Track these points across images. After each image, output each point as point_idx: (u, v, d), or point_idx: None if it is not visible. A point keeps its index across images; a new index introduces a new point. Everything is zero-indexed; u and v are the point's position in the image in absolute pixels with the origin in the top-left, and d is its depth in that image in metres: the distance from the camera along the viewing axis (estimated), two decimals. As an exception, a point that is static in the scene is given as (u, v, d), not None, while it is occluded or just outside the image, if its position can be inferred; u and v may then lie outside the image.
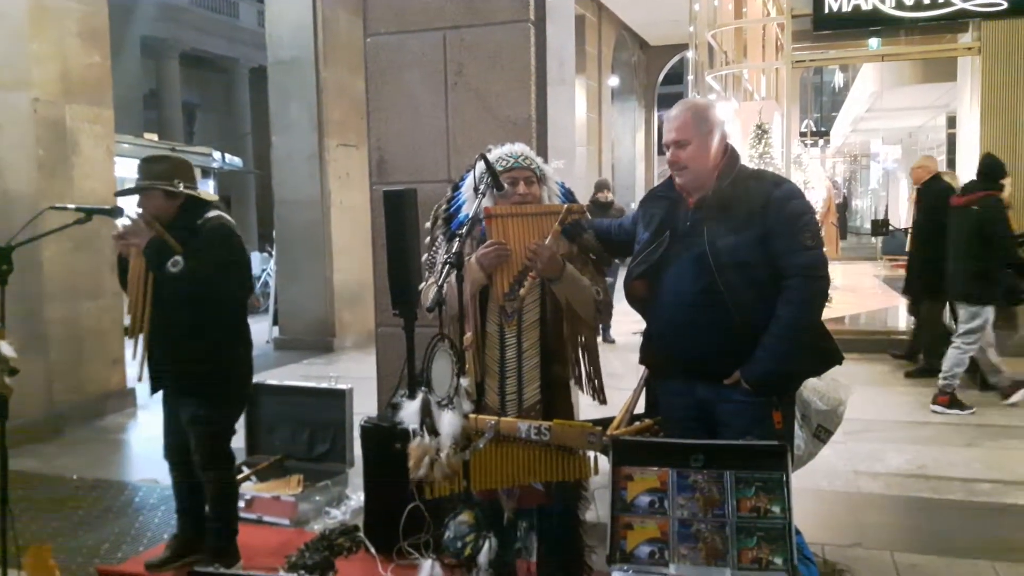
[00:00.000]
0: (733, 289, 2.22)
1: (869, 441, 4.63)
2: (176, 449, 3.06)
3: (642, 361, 2.54)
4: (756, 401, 2.26)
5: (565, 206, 2.44)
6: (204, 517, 3.07)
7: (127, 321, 2.95)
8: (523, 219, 2.39)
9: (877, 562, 3.08)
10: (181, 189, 2.91)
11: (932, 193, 6.17)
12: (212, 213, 2.96)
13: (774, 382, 2.27)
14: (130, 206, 3.02)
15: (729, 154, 2.37)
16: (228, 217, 3.03)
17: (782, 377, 2.29)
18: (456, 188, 2.57)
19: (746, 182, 2.32)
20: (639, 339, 2.56)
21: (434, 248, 2.54)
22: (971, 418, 5.16)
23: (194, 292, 2.81)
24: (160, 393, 3.04)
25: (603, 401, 2.58)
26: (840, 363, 2.42)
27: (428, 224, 2.62)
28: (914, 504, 3.82)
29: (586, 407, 2.72)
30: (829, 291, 2.42)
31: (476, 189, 2.39)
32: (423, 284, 2.55)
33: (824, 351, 2.40)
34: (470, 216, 2.39)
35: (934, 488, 3.98)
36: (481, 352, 2.40)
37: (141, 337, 2.88)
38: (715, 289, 2.23)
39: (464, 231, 2.34)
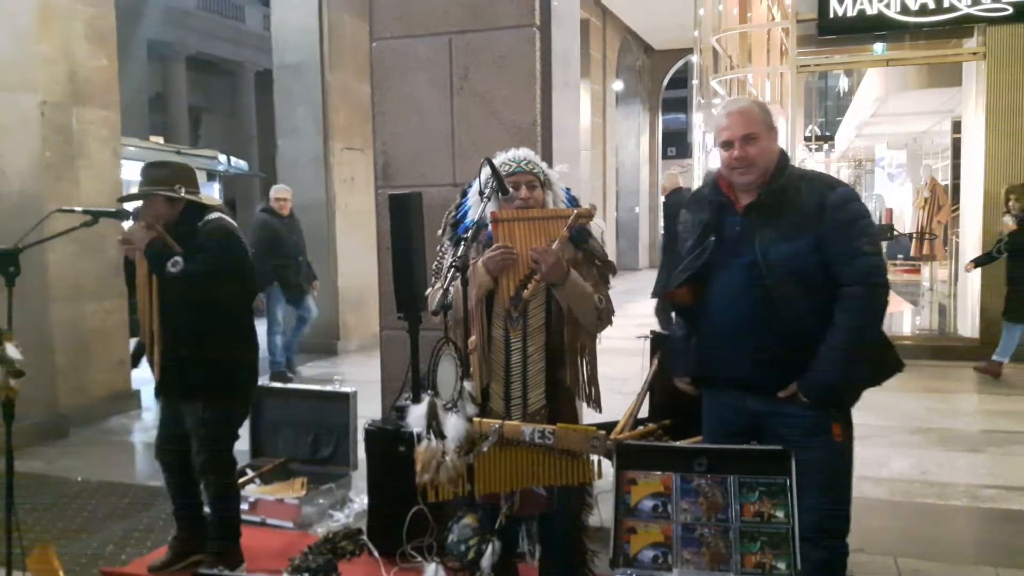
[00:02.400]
0: (788, 299, 2.12)
1: (873, 446, 4.62)
2: (169, 448, 3.06)
3: (687, 372, 2.44)
4: (813, 414, 2.16)
5: (575, 210, 2.44)
6: (202, 516, 3.08)
7: (140, 325, 2.96)
8: (529, 223, 2.38)
9: (881, 567, 3.07)
10: (182, 195, 2.93)
11: None
12: (213, 215, 2.97)
13: (833, 395, 2.17)
14: (135, 210, 3.04)
15: (781, 156, 2.26)
16: (229, 219, 3.03)
17: (841, 389, 2.18)
18: (464, 194, 2.58)
19: (797, 184, 2.20)
20: (641, 343, 2.55)
21: (441, 253, 2.55)
22: (975, 424, 5.15)
23: (195, 292, 2.81)
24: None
25: (599, 409, 2.57)
26: (900, 371, 2.28)
27: (439, 232, 2.63)
28: (918, 510, 3.81)
29: (589, 412, 2.72)
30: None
31: (481, 193, 2.40)
32: (430, 289, 2.56)
33: (884, 360, 2.27)
34: (475, 221, 2.40)
35: (938, 494, 3.97)
36: (486, 357, 2.40)
37: (152, 339, 2.88)
38: (768, 300, 2.13)
39: (470, 235, 2.35)
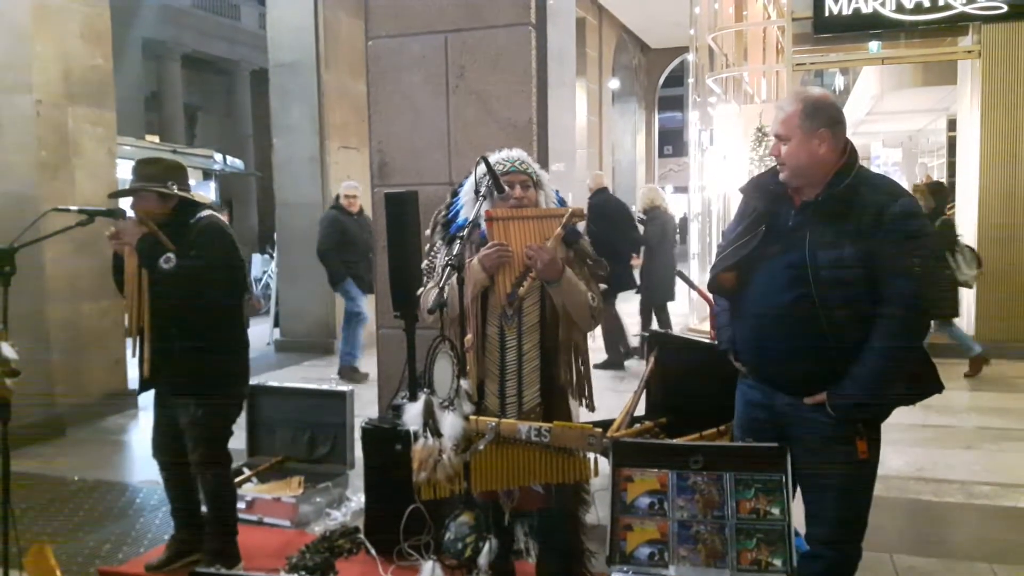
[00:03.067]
0: (829, 305, 2.03)
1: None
2: (166, 448, 3.06)
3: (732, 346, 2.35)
4: (837, 425, 2.10)
5: (569, 209, 2.45)
6: (200, 516, 3.08)
7: (126, 321, 2.95)
8: (523, 222, 2.40)
9: (876, 564, 3.08)
10: (174, 191, 2.93)
11: None
12: (204, 213, 2.98)
13: (861, 413, 2.09)
14: (127, 207, 3.03)
15: (848, 155, 2.14)
16: (220, 217, 3.03)
17: (871, 407, 2.10)
18: (455, 194, 2.58)
19: (859, 189, 2.09)
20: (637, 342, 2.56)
21: (433, 253, 2.55)
22: (970, 421, 5.17)
23: (187, 289, 2.81)
24: (154, 392, 3.04)
25: (592, 408, 2.58)
26: (940, 392, 2.18)
27: (428, 231, 2.64)
28: (913, 506, 3.83)
29: (583, 411, 2.73)
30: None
31: (477, 192, 2.41)
32: (421, 289, 2.56)
33: (922, 379, 2.16)
34: (470, 219, 2.40)
35: (933, 491, 3.99)
36: (481, 355, 2.40)
37: (142, 335, 2.88)
38: (809, 302, 2.04)
39: (465, 234, 2.36)
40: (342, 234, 6.65)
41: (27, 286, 4.94)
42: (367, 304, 6.72)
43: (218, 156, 13.62)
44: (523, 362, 2.41)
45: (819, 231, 2.08)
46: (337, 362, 7.04)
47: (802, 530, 2.29)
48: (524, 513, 2.53)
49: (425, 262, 2.60)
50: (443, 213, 2.58)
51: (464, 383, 2.19)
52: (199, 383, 2.92)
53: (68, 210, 2.94)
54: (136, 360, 2.95)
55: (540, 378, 2.43)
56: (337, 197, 6.90)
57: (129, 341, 2.95)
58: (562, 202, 2.61)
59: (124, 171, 6.83)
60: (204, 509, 3.07)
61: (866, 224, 2.04)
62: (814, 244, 2.06)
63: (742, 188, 2.38)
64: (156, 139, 13.63)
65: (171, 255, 2.78)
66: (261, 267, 12.23)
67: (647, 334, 3.02)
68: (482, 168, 2.38)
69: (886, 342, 2.02)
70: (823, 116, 2.13)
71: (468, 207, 2.46)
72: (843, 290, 2.03)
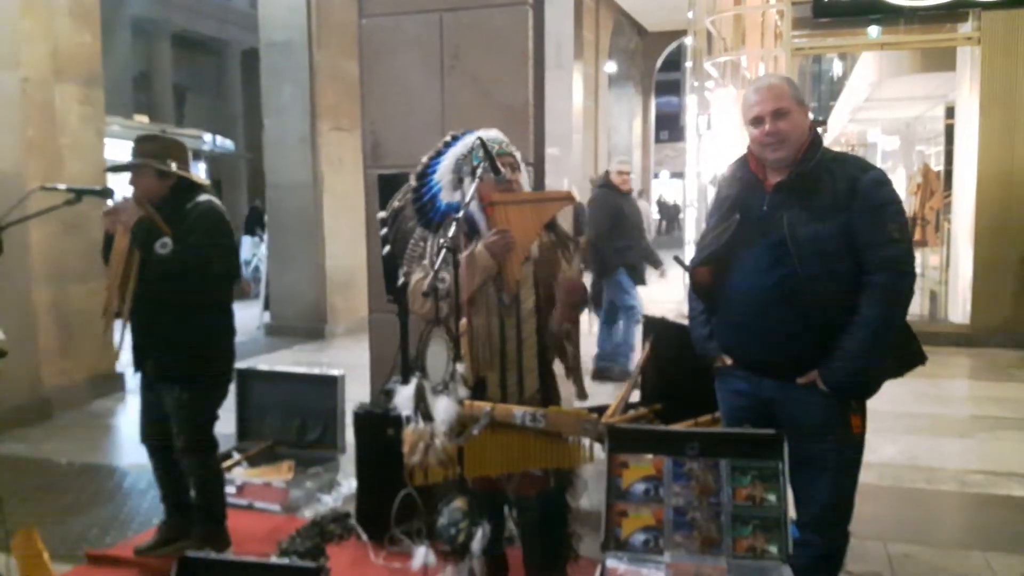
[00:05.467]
0: (814, 280, 2.05)
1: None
2: (154, 432, 3.03)
3: (712, 352, 2.36)
4: (830, 402, 2.12)
5: (566, 193, 2.44)
6: (189, 501, 3.05)
7: (106, 300, 2.89)
8: (521, 206, 2.36)
9: (870, 552, 3.08)
10: (174, 169, 2.87)
11: None
12: (203, 197, 2.93)
13: (855, 385, 2.12)
14: (121, 186, 2.97)
15: (813, 134, 2.18)
16: (218, 201, 2.99)
17: (864, 380, 2.13)
18: (423, 176, 2.46)
19: (829, 165, 2.13)
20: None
21: (414, 239, 2.47)
22: (964, 409, 5.18)
23: (181, 275, 2.77)
24: (140, 376, 3.01)
25: (583, 396, 2.57)
26: (923, 364, 2.23)
27: (383, 214, 2.56)
28: (907, 495, 3.83)
29: (575, 398, 2.70)
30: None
31: (472, 173, 2.35)
32: (402, 278, 2.48)
33: (907, 351, 2.21)
34: (463, 203, 2.34)
35: (927, 479, 3.99)
36: (481, 347, 2.37)
37: (122, 315, 2.84)
38: (794, 280, 2.06)
39: (461, 215, 2.30)
40: (615, 217, 5.81)
41: (14, 267, 4.88)
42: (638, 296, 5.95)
43: (207, 136, 13.51)
44: (523, 349, 2.39)
45: (795, 210, 2.10)
46: (328, 347, 6.96)
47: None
48: (522, 498, 2.51)
49: (408, 249, 2.49)
50: (412, 196, 2.46)
51: (460, 367, 2.16)
52: (185, 366, 2.88)
53: (56, 188, 2.88)
54: (118, 340, 2.91)
55: (538, 364, 2.41)
56: (606, 174, 6.09)
57: (118, 325, 2.90)
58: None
59: (112, 151, 6.77)
60: (191, 493, 3.04)
61: (841, 197, 2.07)
62: (792, 223, 2.08)
63: (716, 182, 2.40)
64: (145, 119, 13.51)
65: (167, 240, 2.73)
66: (251, 249, 12.14)
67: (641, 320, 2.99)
68: (463, 147, 2.33)
69: (875, 310, 2.05)
70: (800, 92, 2.20)
71: (448, 190, 2.39)
72: (826, 264, 2.05)
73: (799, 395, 2.14)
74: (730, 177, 2.31)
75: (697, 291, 2.33)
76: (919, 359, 2.24)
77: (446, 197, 2.40)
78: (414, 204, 2.46)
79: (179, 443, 2.92)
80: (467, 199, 2.32)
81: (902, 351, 2.20)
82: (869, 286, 2.06)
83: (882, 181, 2.12)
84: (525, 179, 2.53)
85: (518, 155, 2.50)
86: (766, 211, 2.15)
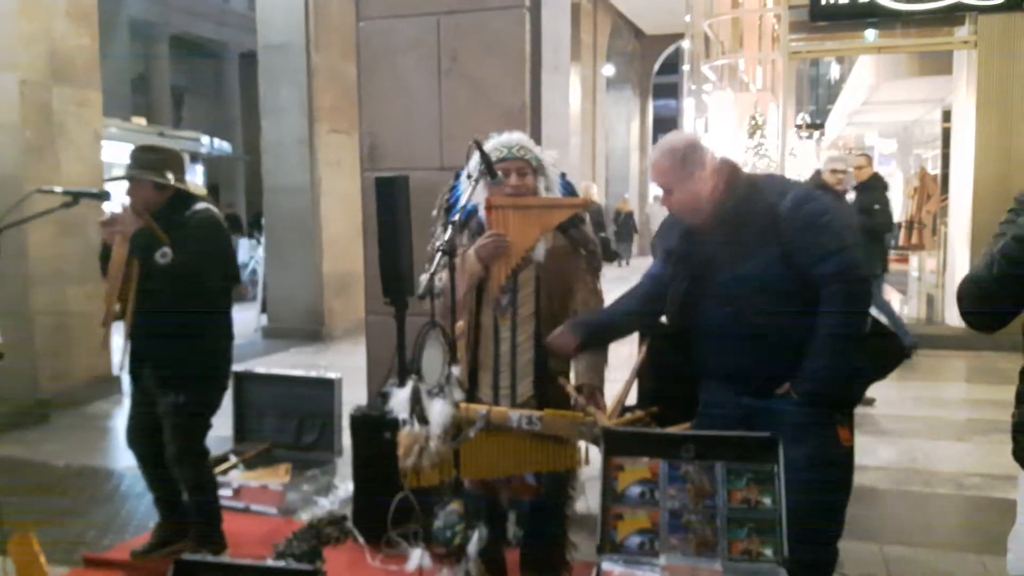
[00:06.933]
0: (765, 312, 2.12)
1: (860, 434, 4.59)
2: (141, 436, 3.03)
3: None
4: (812, 412, 2.14)
5: (570, 200, 2.42)
6: (182, 504, 3.05)
7: (107, 307, 2.89)
8: (525, 212, 2.34)
9: (866, 554, 3.08)
10: (171, 182, 2.88)
11: None
12: (200, 205, 2.94)
13: (829, 394, 2.14)
14: (118, 192, 2.97)
15: (726, 176, 2.21)
16: (216, 209, 3.00)
17: (837, 388, 2.15)
18: (457, 177, 2.53)
19: (748, 198, 2.18)
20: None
21: (433, 238, 2.50)
22: (961, 413, 5.18)
23: (181, 283, 2.78)
24: (131, 382, 3.02)
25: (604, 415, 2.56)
26: (908, 357, 2.28)
27: (434, 213, 2.59)
28: (904, 497, 3.83)
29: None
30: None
31: (469, 176, 2.35)
32: (424, 274, 2.51)
33: (882, 350, 2.23)
34: (463, 205, 2.35)
35: (924, 481, 3.99)
36: (474, 346, 2.37)
37: (124, 324, 2.84)
38: (749, 313, 2.13)
39: (459, 221, 2.31)
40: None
41: (11, 269, 4.89)
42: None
43: (205, 139, 13.52)
44: (517, 353, 2.37)
45: (731, 248, 2.16)
46: (325, 349, 6.96)
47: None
48: (516, 502, 2.51)
49: (429, 246, 2.54)
50: (446, 197, 2.53)
51: (455, 370, 2.16)
52: (185, 375, 2.88)
53: (52, 191, 2.87)
54: (119, 347, 2.91)
55: (535, 370, 2.39)
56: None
57: (118, 326, 2.90)
58: (568, 186, 2.55)
59: (110, 153, 6.77)
60: (184, 496, 3.04)
61: (767, 228, 2.12)
62: (729, 264, 2.16)
63: (657, 233, 2.48)
64: (143, 121, 13.49)
65: (167, 249, 2.74)
66: (248, 252, 12.13)
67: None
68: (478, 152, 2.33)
69: (832, 319, 2.09)
70: (691, 158, 2.20)
71: (465, 193, 2.41)
72: (772, 293, 2.11)
73: (775, 404, 2.17)
74: (668, 227, 2.38)
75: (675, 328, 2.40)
76: (900, 356, 2.27)
77: (463, 199, 2.40)
78: (445, 204, 2.50)
79: (171, 451, 2.92)
80: (463, 202, 2.33)
81: (880, 352, 2.22)
82: (823, 298, 2.10)
83: (801, 201, 2.15)
84: (552, 184, 2.47)
85: (539, 159, 2.45)
86: (705, 258, 2.23)
